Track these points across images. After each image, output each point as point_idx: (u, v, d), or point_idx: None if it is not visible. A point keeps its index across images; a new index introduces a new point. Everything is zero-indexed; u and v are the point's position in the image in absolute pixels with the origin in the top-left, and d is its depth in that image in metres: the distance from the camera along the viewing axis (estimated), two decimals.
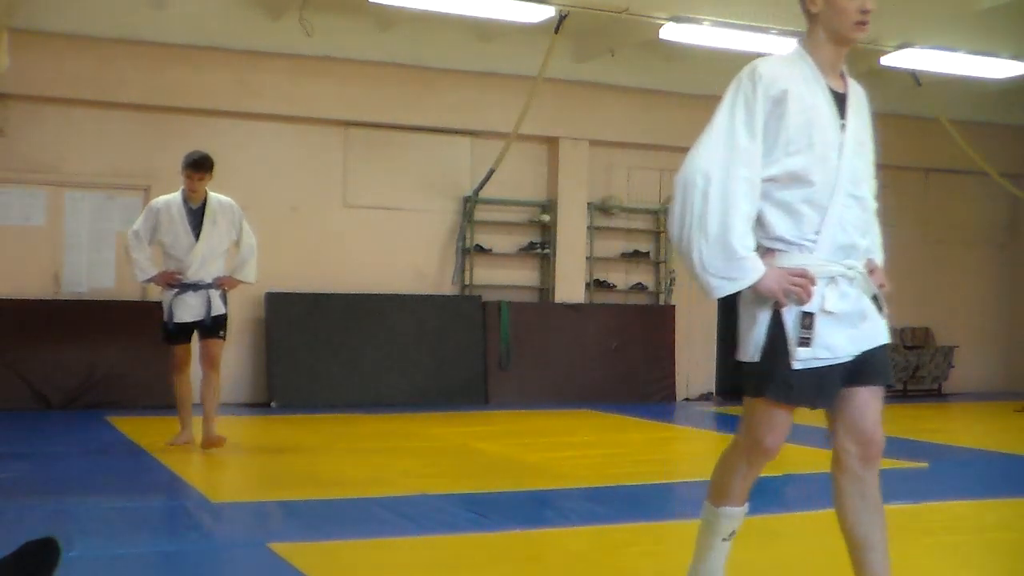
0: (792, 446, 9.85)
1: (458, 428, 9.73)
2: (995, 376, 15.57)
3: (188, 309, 7.74)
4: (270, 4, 11.18)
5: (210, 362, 7.88)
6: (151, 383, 10.79)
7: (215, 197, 7.91)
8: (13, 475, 6.66)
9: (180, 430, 8.00)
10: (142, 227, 7.80)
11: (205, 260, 7.75)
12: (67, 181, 11.09)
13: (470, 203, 12.46)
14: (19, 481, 6.47)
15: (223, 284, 7.89)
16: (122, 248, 11.29)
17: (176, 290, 7.71)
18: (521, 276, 12.93)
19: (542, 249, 12.90)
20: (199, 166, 7.79)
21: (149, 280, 7.92)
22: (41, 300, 10.85)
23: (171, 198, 7.85)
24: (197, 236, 7.74)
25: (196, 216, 7.80)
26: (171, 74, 11.16)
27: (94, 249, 11.19)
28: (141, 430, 8.86)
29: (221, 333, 7.90)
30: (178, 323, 7.76)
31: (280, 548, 4.72)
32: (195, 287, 7.74)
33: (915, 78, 12.55)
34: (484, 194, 12.40)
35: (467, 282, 12.53)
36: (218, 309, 7.81)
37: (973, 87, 13.19)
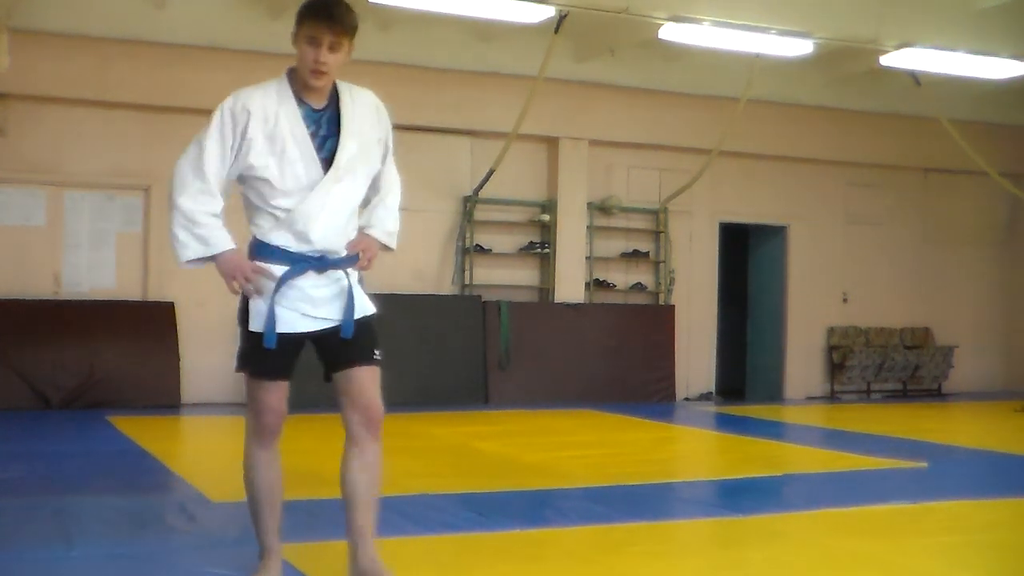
0: (792, 446, 9.86)
1: (458, 428, 9.73)
2: (995, 376, 15.57)
3: (308, 307, 3.96)
4: (270, 4, 11.18)
5: (370, 416, 4.34)
6: (151, 383, 10.82)
7: (349, 89, 4.06)
8: (13, 475, 6.66)
9: (262, 558, 4.24)
10: (212, 145, 3.85)
11: (338, 213, 3.95)
12: (67, 181, 11.09)
13: (470, 203, 12.47)
14: (19, 481, 6.47)
15: (363, 254, 4.11)
16: (123, 243, 11.37)
17: (284, 270, 3.89)
18: (521, 276, 12.94)
19: (542, 249, 12.90)
20: (335, 16, 3.84)
21: (211, 259, 3.91)
22: (41, 300, 10.85)
23: (273, 88, 3.96)
24: (327, 166, 3.91)
25: (323, 126, 3.95)
26: (171, 74, 11.16)
27: (94, 249, 11.19)
28: (141, 430, 8.86)
29: (376, 354, 4.34)
30: (287, 335, 3.95)
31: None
32: (319, 263, 3.94)
33: (915, 78, 12.55)
34: (484, 194, 12.40)
35: (467, 282, 12.53)
36: (364, 306, 4.17)
37: (973, 87, 13.19)
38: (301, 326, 3.98)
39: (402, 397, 11.71)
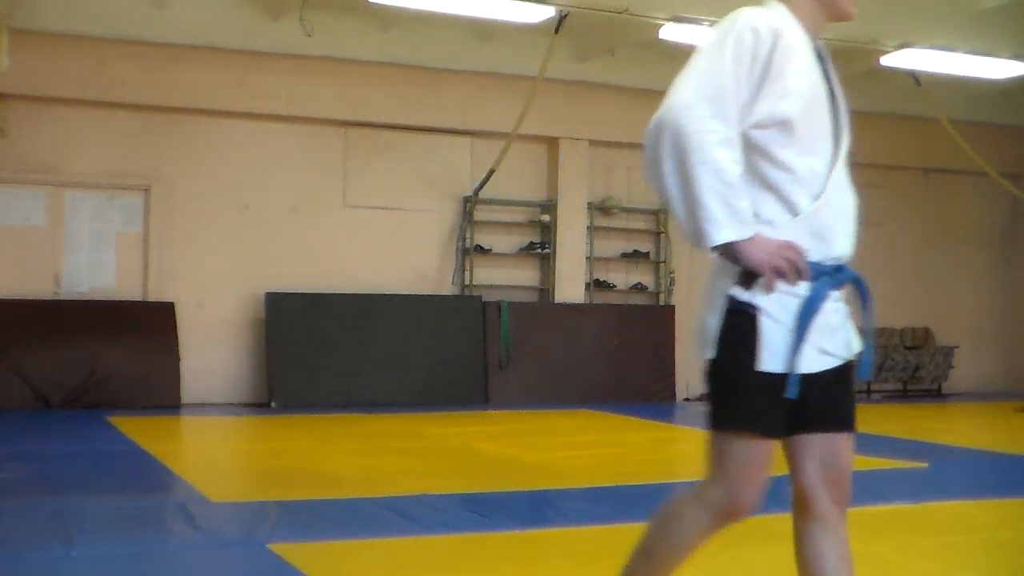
0: None
1: (458, 428, 9.73)
2: (995, 376, 15.56)
3: (825, 338, 2.72)
4: (270, 4, 11.18)
5: (844, 493, 2.82)
6: (151, 383, 10.82)
7: None
8: (13, 475, 6.66)
9: None
10: (729, 75, 2.63)
11: (853, 206, 2.83)
12: (67, 181, 11.09)
13: (470, 203, 12.46)
14: (19, 481, 6.47)
15: None
16: (123, 243, 11.37)
17: (801, 283, 2.66)
18: (521, 276, 12.93)
19: (542, 249, 12.90)
20: None
21: (739, 248, 2.61)
22: (41, 300, 10.85)
23: (783, 19, 2.76)
24: (836, 132, 2.84)
25: (829, 80, 2.93)
26: (171, 74, 11.16)
27: (94, 249, 11.20)
28: (141, 430, 8.86)
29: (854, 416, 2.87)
30: (814, 375, 2.69)
31: (280, 548, 4.72)
32: (839, 276, 2.76)
33: (915, 78, 12.54)
34: (484, 194, 12.40)
35: (467, 282, 12.52)
36: (856, 341, 2.85)
37: (973, 87, 13.19)
38: (817, 365, 2.69)
39: (402, 397, 11.72)
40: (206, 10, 11.16)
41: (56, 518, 5.26)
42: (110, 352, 10.75)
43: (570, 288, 12.90)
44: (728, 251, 2.62)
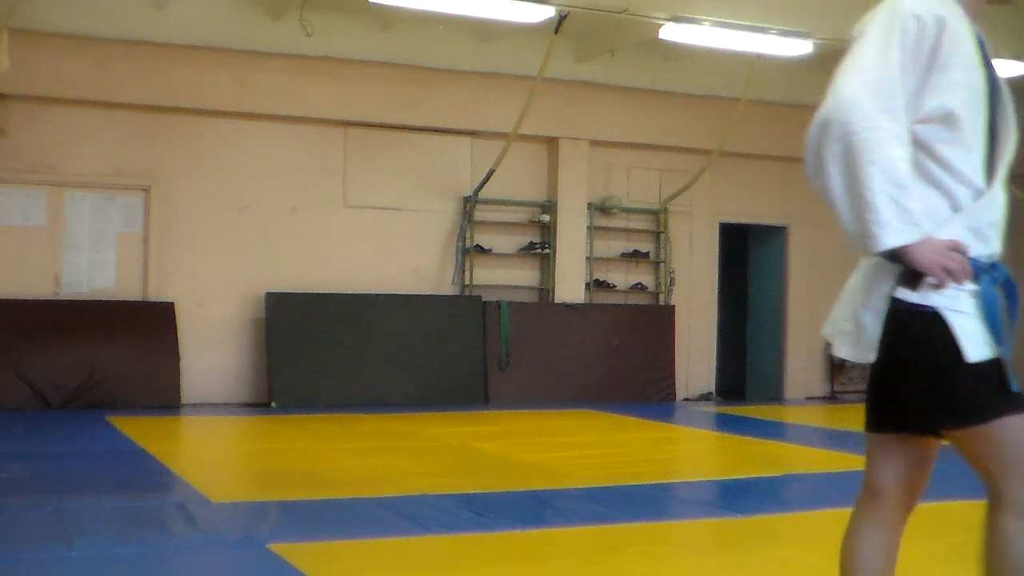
0: (792, 446, 9.85)
1: (458, 428, 9.73)
2: None
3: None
4: (270, 4, 11.18)
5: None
6: (151, 383, 10.82)
7: None
8: (13, 475, 6.66)
9: None
10: (895, 66, 2.54)
11: (1003, 191, 2.72)
12: (67, 181, 11.09)
13: (470, 203, 12.47)
14: (19, 481, 6.47)
15: None
16: (123, 243, 11.38)
17: (975, 280, 2.59)
18: (521, 276, 12.93)
19: (542, 249, 12.90)
20: None
21: (910, 251, 2.53)
22: (41, 300, 10.85)
23: (945, 3, 2.62)
24: (993, 125, 2.69)
25: (991, 69, 2.70)
26: (171, 74, 11.16)
27: (94, 249, 11.20)
28: (141, 430, 8.86)
29: None
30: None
31: (280, 548, 4.72)
32: (995, 272, 2.65)
33: None
34: (484, 194, 12.40)
35: (467, 282, 12.53)
36: None
37: None
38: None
39: (402, 397, 11.73)
40: (206, 10, 11.16)
41: (56, 518, 5.26)
42: (110, 352, 10.75)
43: (570, 288, 12.90)
44: (894, 254, 2.54)
